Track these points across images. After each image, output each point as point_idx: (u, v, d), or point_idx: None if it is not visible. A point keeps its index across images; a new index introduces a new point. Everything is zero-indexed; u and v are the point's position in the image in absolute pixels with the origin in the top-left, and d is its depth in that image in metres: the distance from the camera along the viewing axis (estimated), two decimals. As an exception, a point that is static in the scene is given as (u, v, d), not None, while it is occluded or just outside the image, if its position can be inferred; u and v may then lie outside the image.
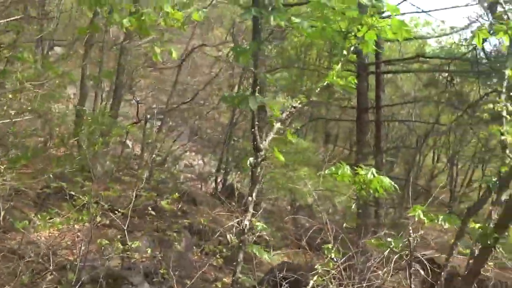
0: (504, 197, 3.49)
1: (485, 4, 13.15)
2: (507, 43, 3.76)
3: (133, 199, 6.55)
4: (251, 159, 3.65)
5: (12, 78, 7.42)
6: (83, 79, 13.56)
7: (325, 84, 3.54)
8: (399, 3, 15.08)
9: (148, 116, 15.37)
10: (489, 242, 3.16)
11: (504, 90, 4.41)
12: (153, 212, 8.11)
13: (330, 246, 4.54)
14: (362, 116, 13.90)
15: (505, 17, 4.09)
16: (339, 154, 22.55)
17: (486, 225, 3.35)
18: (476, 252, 3.41)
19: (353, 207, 9.97)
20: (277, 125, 3.63)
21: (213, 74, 18.50)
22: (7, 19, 7.70)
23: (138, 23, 5.01)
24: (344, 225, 6.35)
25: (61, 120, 12.20)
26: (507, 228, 3.24)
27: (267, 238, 10.33)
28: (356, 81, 3.64)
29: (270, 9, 3.00)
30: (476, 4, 13.94)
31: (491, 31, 4.04)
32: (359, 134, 14.19)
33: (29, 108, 8.34)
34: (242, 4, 13.15)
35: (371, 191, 3.67)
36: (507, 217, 3.26)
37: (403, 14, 16.83)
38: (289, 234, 11.96)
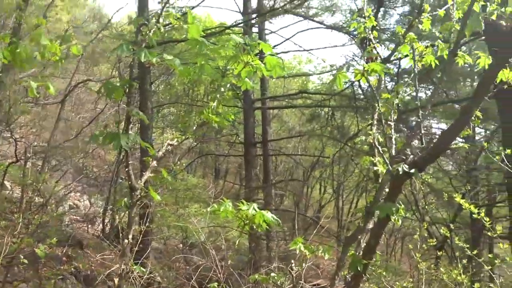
0: (369, 225, 3.72)
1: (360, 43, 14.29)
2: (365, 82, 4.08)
3: (8, 247, 6.04)
4: (125, 199, 3.55)
5: None
6: (-49, 116, 12.50)
7: (200, 121, 3.57)
8: (281, 42, 15.91)
9: (29, 155, 14.41)
10: (359, 269, 3.35)
11: (375, 122, 4.73)
12: (25, 261, 7.47)
13: (216, 285, 4.48)
14: (249, 151, 14.23)
15: (375, 52, 4.41)
16: (230, 189, 22.77)
17: (356, 253, 3.54)
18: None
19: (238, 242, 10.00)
20: (153, 163, 3.58)
21: (99, 110, 17.93)
22: None
23: (13, 56, 4.75)
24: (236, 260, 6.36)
25: None
26: (373, 254, 3.46)
27: (159, 279, 10.02)
28: (234, 117, 3.70)
29: (143, 45, 2.98)
30: (352, 44, 15.10)
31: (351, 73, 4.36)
32: (247, 168, 14.50)
33: None
34: (127, 39, 13.02)
35: (254, 226, 3.71)
36: (372, 245, 3.49)
37: (287, 52, 17.79)
38: (181, 274, 11.69)
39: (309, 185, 20.72)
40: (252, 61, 3.28)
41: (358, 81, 12.79)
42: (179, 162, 7.07)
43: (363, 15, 4.94)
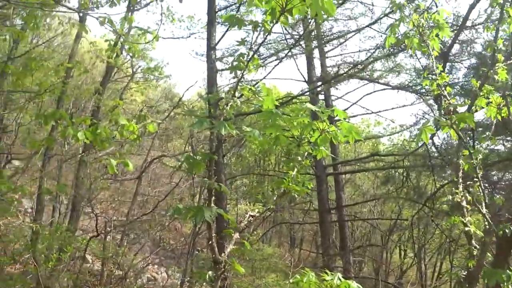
0: (476, 291, 3.42)
1: (429, 102, 13.99)
2: (454, 136, 3.91)
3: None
4: (210, 272, 3.50)
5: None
6: (39, 193, 13.26)
7: (281, 191, 3.54)
8: (349, 106, 15.90)
9: (108, 229, 14.90)
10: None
11: (460, 180, 4.50)
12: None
13: None
14: (324, 218, 13.98)
15: (451, 108, 4.27)
16: (306, 257, 22.25)
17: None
18: None
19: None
20: (236, 235, 3.55)
21: (173, 184, 18.42)
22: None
23: (94, 136, 5.02)
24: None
25: (16, 235, 11.69)
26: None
27: None
28: (312, 185, 3.65)
29: (221, 119, 3.05)
30: (421, 102, 14.82)
31: (437, 127, 4.21)
32: (323, 235, 14.19)
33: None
34: (199, 115, 13.47)
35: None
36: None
37: (355, 116, 17.71)
38: None
39: (388, 249, 19.88)
40: (328, 128, 3.25)
41: (432, 138, 12.44)
42: (255, 232, 7.00)
43: (434, 73, 4.85)
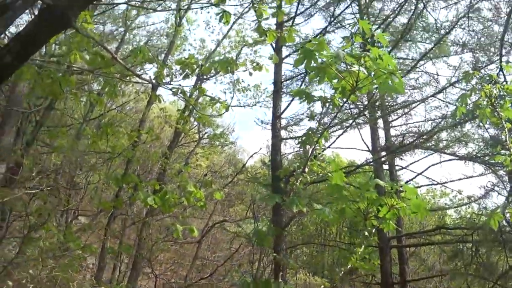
0: None
1: (499, 173, 13.45)
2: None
3: None
4: None
5: (34, 246, 7.46)
6: (102, 251, 13.63)
7: (348, 267, 3.49)
8: (413, 177, 15.49)
9: (166, 291, 14.98)
10: None
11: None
12: None
13: None
14: (388, 292, 13.40)
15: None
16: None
17: None
18: None
19: None
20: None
21: (233, 249, 18.38)
22: (39, 189, 8.06)
23: (162, 201, 5.21)
24: None
25: (77, 291, 11.94)
26: None
27: None
28: (378, 262, 3.57)
29: (291, 194, 3.10)
30: (490, 173, 14.25)
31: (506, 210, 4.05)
32: (386, 312, 13.55)
33: (47, 282, 8.23)
34: (262, 182, 13.59)
35: None
36: None
37: (420, 186, 17.19)
38: None
39: (456, 333, 18.58)
40: (397, 204, 3.22)
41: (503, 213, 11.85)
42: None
43: (507, 147, 4.73)
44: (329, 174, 3.25)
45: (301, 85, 12.74)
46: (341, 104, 3.31)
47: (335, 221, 3.48)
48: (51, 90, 5.73)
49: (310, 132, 3.42)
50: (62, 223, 14.01)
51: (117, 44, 16.05)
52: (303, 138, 3.46)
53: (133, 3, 11.98)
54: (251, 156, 20.39)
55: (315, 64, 3.00)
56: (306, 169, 3.37)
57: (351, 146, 20.31)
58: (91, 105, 15.24)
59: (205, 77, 15.31)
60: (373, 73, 2.91)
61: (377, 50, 3.07)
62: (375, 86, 2.97)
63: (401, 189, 3.30)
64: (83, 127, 14.36)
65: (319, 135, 3.40)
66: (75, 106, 17.81)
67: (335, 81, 3.09)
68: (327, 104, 3.38)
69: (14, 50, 2.87)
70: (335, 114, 9.37)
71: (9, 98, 9.43)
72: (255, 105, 16.81)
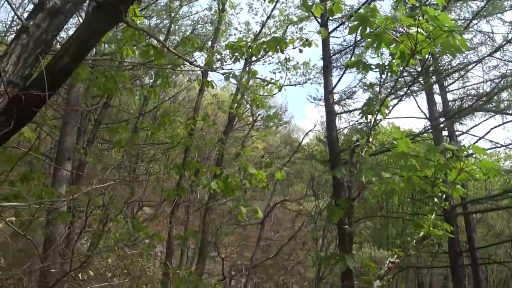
0: None
1: None
2: None
3: None
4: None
5: (105, 238, 7.76)
6: (169, 238, 14.03)
7: (421, 235, 3.41)
8: (476, 141, 14.91)
9: (233, 273, 15.26)
10: None
11: None
12: None
13: None
14: (456, 261, 13.09)
15: None
16: (438, 304, 20.85)
17: None
18: None
19: None
20: (377, 282, 3.44)
21: (296, 228, 18.47)
22: (105, 184, 8.36)
23: (225, 185, 5.27)
24: None
25: (148, 279, 12.37)
26: None
27: None
28: (451, 228, 3.47)
29: (357, 166, 3.06)
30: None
31: None
32: (455, 280, 13.24)
33: (124, 270, 8.54)
34: (319, 159, 13.49)
35: None
36: None
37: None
38: None
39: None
40: (467, 166, 3.11)
41: None
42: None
43: None
44: (394, 142, 3.17)
45: (350, 57, 12.45)
46: (400, 70, 3.21)
47: (404, 190, 3.41)
48: (106, 88, 5.90)
49: (370, 102, 3.34)
50: (128, 214, 14.50)
51: (164, 37, 16.25)
52: (364, 108, 3.38)
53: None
54: (306, 134, 20.33)
55: (371, 31, 2.91)
56: (371, 139, 3.30)
57: (407, 115, 19.74)
58: (145, 99, 15.56)
59: (254, 59, 15.29)
60: (431, 34, 2.80)
61: (433, 11, 2.95)
62: (437, 47, 2.86)
63: (470, 151, 3.18)
64: (140, 120, 14.71)
65: (379, 104, 3.31)
66: (129, 101, 18.26)
67: (392, 46, 3.00)
68: (385, 72, 3.29)
69: (71, 50, 2.95)
70: (394, 81, 9.12)
71: (67, 100, 9.77)
72: (306, 82, 16.65)
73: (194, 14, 17.71)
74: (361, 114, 3.43)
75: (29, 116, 3.03)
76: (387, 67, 3.23)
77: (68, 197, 6.09)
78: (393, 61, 3.14)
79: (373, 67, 3.33)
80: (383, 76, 3.36)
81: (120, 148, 12.01)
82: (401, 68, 3.19)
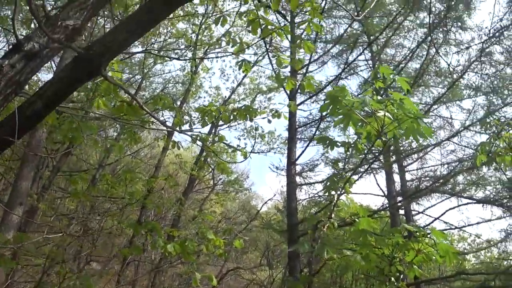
0: None
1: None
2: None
3: None
4: None
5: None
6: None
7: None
8: (431, 222, 15.17)
9: None
10: None
11: None
12: None
13: None
14: None
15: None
16: None
17: None
18: None
19: None
20: None
21: (248, 298, 18.05)
22: (53, 235, 8.05)
23: (182, 249, 5.18)
24: None
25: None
26: None
27: None
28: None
29: (318, 241, 3.08)
30: (509, 216, 13.97)
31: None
32: None
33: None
34: (277, 228, 13.47)
35: None
36: None
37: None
38: None
39: None
40: (424, 248, 3.17)
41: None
42: None
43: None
44: (356, 219, 3.23)
45: (315, 131, 12.77)
46: (365, 150, 3.33)
47: (362, 267, 3.43)
48: (71, 136, 5.83)
49: (334, 178, 3.42)
50: (73, 268, 13.91)
51: (134, 91, 16.34)
52: (328, 184, 3.45)
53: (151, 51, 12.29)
54: (265, 202, 20.31)
55: (339, 110, 3.03)
56: (333, 215, 3.35)
57: (365, 191, 20.09)
58: (107, 151, 15.39)
59: (220, 123, 15.45)
60: (397, 118, 2.94)
61: (399, 95, 3.11)
62: (402, 130, 2.99)
63: (428, 233, 3.25)
64: (99, 172, 14.45)
65: (344, 181, 3.39)
66: (91, 152, 18.00)
67: (358, 126, 3.12)
68: (349, 150, 3.39)
69: (45, 96, 2.95)
70: (359, 160, 9.30)
71: (28, 143, 9.58)
72: (269, 151, 16.88)
73: (166, 73, 17.97)
74: (324, 190, 3.50)
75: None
76: (352, 145, 3.34)
77: (15, 244, 5.84)
78: (359, 140, 3.26)
79: (339, 144, 3.44)
80: (348, 154, 3.46)
81: (75, 198, 11.72)
82: (367, 148, 3.30)
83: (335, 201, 3.40)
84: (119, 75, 4.16)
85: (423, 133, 2.77)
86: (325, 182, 3.62)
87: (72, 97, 11.01)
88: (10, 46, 3.95)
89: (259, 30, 4.20)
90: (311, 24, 4.29)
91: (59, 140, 10.83)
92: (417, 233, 3.18)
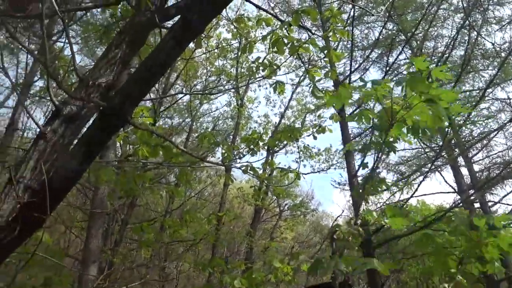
0: None
1: None
2: None
3: None
4: None
5: None
6: None
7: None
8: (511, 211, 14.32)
9: None
10: None
11: None
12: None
13: None
14: None
15: None
16: None
17: None
18: None
19: None
20: None
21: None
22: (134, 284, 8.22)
23: (249, 281, 5.10)
24: None
25: None
26: None
27: None
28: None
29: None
30: None
31: None
32: None
33: None
34: (352, 245, 13.07)
35: None
36: None
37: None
38: None
39: None
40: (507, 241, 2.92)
41: None
42: None
43: None
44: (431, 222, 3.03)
45: (370, 139, 12.43)
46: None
47: (438, 274, 3.21)
48: (128, 188, 5.96)
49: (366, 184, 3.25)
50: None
51: (186, 134, 16.66)
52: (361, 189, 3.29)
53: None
54: (335, 220, 19.89)
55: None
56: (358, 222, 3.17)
57: (436, 190, 19.29)
58: (171, 196, 15.67)
59: (276, 149, 15.43)
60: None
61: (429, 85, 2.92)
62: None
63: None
64: (165, 218, 14.69)
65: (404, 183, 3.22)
66: (156, 199, 18.40)
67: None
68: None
69: (78, 156, 3.00)
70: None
71: (91, 202, 9.91)
72: (329, 168, 16.63)
73: (214, 111, 18.24)
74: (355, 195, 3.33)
75: (40, 221, 3.00)
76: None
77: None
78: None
79: (396, 148, 3.30)
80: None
81: (147, 247, 11.97)
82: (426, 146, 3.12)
83: (402, 204, 3.21)
84: (150, 120, 4.22)
85: (442, 116, 2.56)
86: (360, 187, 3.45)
87: (127, 151, 11.36)
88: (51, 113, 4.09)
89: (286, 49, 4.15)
90: (336, 32, 4.20)
91: (122, 195, 11.16)
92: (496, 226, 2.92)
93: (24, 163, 3.62)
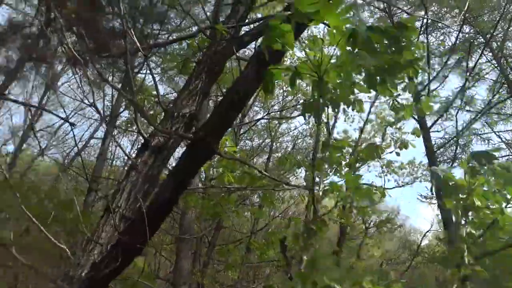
0: None
1: None
2: None
3: None
4: None
5: None
6: None
7: None
8: None
9: None
10: None
11: None
12: None
13: None
14: None
15: None
16: None
17: None
18: None
19: None
20: None
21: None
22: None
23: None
24: None
25: None
26: None
27: None
28: None
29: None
30: None
31: None
32: None
33: None
34: (442, 260, 12.57)
35: None
36: None
37: None
38: None
39: None
40: None
41: None
42: None
43: None
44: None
45: (456, 148, 11.97)
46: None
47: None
48: (214, 212, 6.18)
49: None
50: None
51: (267, 156, 16.85)
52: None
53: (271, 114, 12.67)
54: (424, 235, 19.20)
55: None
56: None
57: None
58: (256, 218, 15.85)
59: (357, 165, 15.18)
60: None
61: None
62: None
63: None
64: (251, 239, 14.86)
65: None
66: (242, 221, 18.64)
67: None
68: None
69: (170, 185, 3.17)
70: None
71: (180, 226, 10.31)
72: (414, 181, 16.13)
73: (293, 130, 18.31)
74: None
75: (137, 249, 3.16)
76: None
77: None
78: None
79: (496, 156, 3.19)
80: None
81: (230, 270, 12.19)
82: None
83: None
84: (234, 148, 4.38)
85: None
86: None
87: (210, 175, 11.73)
88: (140, 145, 4.36)
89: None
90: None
91: (208, 218, 11.49)
92: None
93: (119, 193, 3.89)
